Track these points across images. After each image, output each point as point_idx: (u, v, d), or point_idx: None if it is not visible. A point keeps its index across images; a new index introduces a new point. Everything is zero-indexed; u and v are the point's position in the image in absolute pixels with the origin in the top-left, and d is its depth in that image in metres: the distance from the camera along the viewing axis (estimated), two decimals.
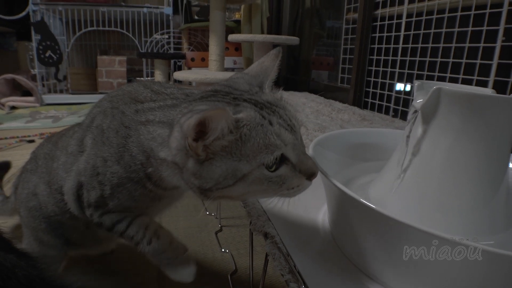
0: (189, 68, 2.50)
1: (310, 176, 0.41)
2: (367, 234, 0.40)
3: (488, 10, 1.09)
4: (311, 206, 0.56)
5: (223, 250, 1.01)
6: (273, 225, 0.50)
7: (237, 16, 3.10)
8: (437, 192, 0.42)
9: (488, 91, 0.47)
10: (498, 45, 1.07)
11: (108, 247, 0.80)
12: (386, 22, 1.53)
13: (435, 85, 0.42)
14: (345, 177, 0.56)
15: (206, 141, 0.37)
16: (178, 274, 0.55)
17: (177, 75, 1.93)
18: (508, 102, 0.39)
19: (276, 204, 0.43)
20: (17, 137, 2.09)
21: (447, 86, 0.40)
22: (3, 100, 2.94)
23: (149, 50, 3.01)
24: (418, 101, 0.42)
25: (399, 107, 1.43)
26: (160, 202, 0.53)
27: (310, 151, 0.49)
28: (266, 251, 0.48)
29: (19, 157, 1.66)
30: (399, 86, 1.46)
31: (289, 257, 0.43)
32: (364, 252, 0.41)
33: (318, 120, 1.16)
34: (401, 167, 0.44)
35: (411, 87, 1.37)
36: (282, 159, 0.39)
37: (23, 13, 3.04)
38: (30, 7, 3.00)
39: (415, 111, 0.43)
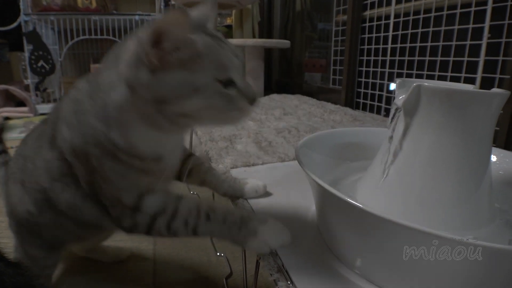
0: None
1: (252, 100, 0.45)
2: (354, 232, 0.40)
3: (473, 8, 1.10)
4: (300, 206, 0.57)
5: (218, 254, 1.01)
6: None
7: (228, 21, 3.12)
8: (420, 188, 0.42)
9: (470, 87, 0.48)
10: (484, 42, 1.08)
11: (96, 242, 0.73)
12: (375, 23, 1.54)
13: (416, 82, 0.42)
14: (333, 177, 0.57)
15: (163, 45, 0.39)
16: (260, 237, 0.44)
17: None
18: (485, 97, 0.39)
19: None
20: (12, 147, 2.08)
21: (427, 83, 0.41)
22: None
23: None
24: (400, 98, 0.43)
25: (391, 107, 1.45)
26: (156, 175, 0.49)
27: (296, 153, 0.50)
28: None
29: None
30: (393, 86, 1.47)
31: (277, 257, 0.44)
32: (351, 251, 0.41)
33: (310, 122, 1.17)
34: (385, 165, 0.45)
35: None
36: (230, 82, 0.43)
37: (15, 24, 3.03)
38: (22, 18, 3.00)
39: (397, 109, 0.44)
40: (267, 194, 0.61)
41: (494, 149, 0.54)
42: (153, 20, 0.42)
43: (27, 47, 2.97)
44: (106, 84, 0.44)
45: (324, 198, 0.43)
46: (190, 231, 0.46)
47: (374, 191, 0.47)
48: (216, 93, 0.42)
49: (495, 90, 0.42)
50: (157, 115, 0.42)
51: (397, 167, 0.44)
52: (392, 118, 0.46)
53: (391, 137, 0.46)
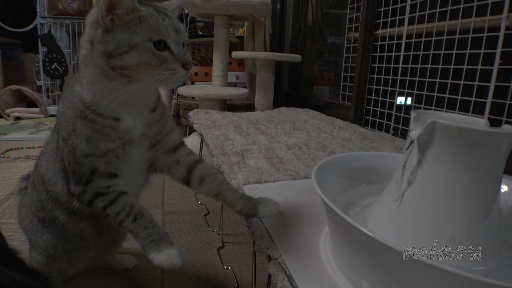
0: (193, 83, 2.54)
1: (185, 64, 0.56)
2: (366, 259, 0.41)
3: (485, 34, 1.12)
4: (312, 227, 0.58)
5: (225, 267, 1.02)
6: (276, 247, 0.52)
7: (240, 32, 3.16)
8: (431, 220, 0.44)
9: (481, 122, 0.49)
10: (495, 67, 1.09)
11: (96, 244, 0.75)
12: (387, 42, 1.57)
13: (431, 116, 0.44)
14: (347, 200, 0.58)
15: (115, 11, 0.52)
16: (162, 255, 0.54)
17: (181, 90, 1.96)
18: (496, 137, 0.41)
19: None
20: (22, 148, 2.12)
21: (442, 118, 0.43)
22: (8, 110, 2.98)
23: None
24: (414, 132, 0.44)
25: (399, 126, 1.46)
26: (119, 149, 0.60)
27: (312, 176, 0.51)
28: (269, 272, 0.49)
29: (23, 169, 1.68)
30: (400, 100, 1.49)
31: (292, 279, 0.45)
32: (364, 276, 0.42)
33: (320, 139, 1.18)
34: (397, 194, 0.47)
35: (411, 101, 1.41)
36: (166, 47, 0.55)
37: (31, 26, 3.09)
38: (38, 20, 3.06)
39: (412, 142, 0.46)
40: (280, 213, 0.63)
41: (504, 179, 0.55)
42: None
43: (42, 49, 3.02)
44: (80, 47, 0.58)
45: (338, 224, 0.45)
46: (117, 221, 0.58)
47: (386, 220, 0.48)
48: (148, 51, 0.53)
49: (506, 128, 0.43)
50: (107, 68, 0.54)
51: (409, 198, 0.46)
52: (407, 149, 0.47)
53: (403, 169, 0.47)
